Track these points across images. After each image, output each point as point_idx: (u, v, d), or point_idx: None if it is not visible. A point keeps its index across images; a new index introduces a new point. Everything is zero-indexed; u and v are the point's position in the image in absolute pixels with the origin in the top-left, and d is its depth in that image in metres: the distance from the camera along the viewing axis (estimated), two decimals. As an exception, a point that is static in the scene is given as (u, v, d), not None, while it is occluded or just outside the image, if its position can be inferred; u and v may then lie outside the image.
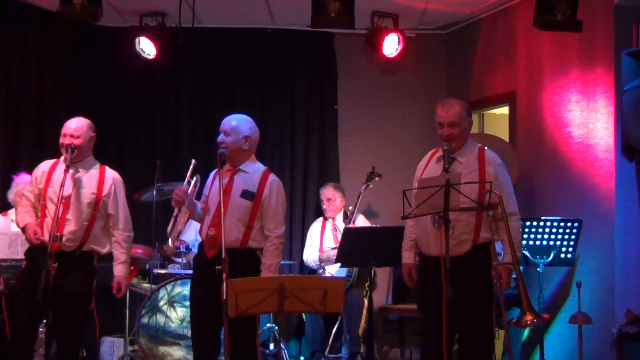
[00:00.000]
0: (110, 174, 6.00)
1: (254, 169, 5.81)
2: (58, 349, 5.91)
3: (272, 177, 5.80)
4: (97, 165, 5.99)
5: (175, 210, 5.69)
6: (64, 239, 5.64)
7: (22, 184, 7.14)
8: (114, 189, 5.96)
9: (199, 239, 5.90)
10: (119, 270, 5.93)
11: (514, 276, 5.63)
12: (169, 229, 5.76)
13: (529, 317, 5.32)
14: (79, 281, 5.76)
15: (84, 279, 5.81)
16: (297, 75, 9.31)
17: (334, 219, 8.38)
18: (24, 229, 5.74)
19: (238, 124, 5.75)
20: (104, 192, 5.89)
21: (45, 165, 5.94)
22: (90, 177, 5.89)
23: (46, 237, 5.57)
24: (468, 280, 5.35)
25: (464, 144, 5.61)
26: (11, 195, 7.28)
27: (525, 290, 5.32)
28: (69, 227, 5.70)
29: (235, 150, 5.71)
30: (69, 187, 5.70)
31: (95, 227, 5.84)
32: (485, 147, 5.77)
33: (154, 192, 7.73)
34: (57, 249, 5.58)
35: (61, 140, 5.81)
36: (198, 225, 5.89)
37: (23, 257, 6.35)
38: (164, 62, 8.71)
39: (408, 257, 5.89)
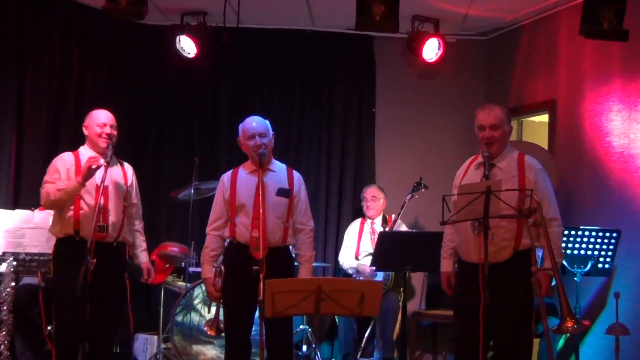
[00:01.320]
0: (127, 165, 6.10)
1: (278, 166, 5.90)
2: (92, 342, 5.80)
3: (295, 173, 5.93)
4: (116, 157, 6.04)
5: (217, 304, 5.88)
6: (109, 229, 5.69)
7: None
8: (134, 179, 6.08)
9: None
10: (145, 257, 6.08)
11: (554, 283, 5.60)
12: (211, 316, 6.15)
13: (569, 324, 5.26)
14: (116, 274, 5.82)
15: (119, 271, 5.86)
16: (335, 78, 9.30)
17: (372, 222, 8.36)
18: (70, 189, 5.63)
19: (267, 125, 5.84)
20: (129, 182, 6.00)
21: (69, 158, 5.88)
22: (117, 168, 5.95)
23: (86, 229, 5.57)
24: (508, 287, 5.32)
25: (504, 149, 5.60)
26: None
27: (565, 297, 5.27)
28: (112, 218, 5.75)
29: (270, 149, 5.80)
30: (106, 179, 5.71)
31: (126, 217, 5.91)
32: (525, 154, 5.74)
33: (192, 191, 7.75)
34: (102, 240, 5.62)
35: (99, 130, 5.80)
36: None
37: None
38: (204, 61, 8.73)
39: (447, 265, 5.88)
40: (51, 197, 5.68)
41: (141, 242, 6.10)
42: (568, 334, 6.62)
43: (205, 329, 5.84)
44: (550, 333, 5.55)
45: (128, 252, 6.05)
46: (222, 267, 5.72)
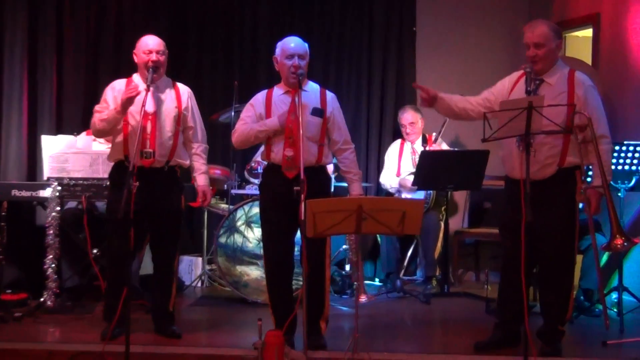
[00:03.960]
0: (184, 88, 6.06)
1: (311, 87, 5.83)
2: (155, 266, 6.10)
3: (329, 93, 5.87)
4: (171, 81, 6.03)
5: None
6: (155, 154, 5.73)
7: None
8: (191, 102, 6.03)
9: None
10: (202, 179, 6.04)
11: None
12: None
13: (619, 241, 5.25)
14: (170, 198, 5.90)
15: (174, 195, 5.94)
16: (375, -3, 9.19)
17: (413, 142, 8.32)
18: (111, 118, 5.70)
19: (307, 47, 5.76)
20: (183, 105, 5.95)
21: (119, 85, 5.93)
22: (169, 92, 5.93)
23: (131, 154, 5.59)
24: (551, 204, 5.29)
25: (552, 65, 5.50)
26: None
27: (615, 214, 5.24)
28: (159, 143, 5.77)
29: (306, 72, 5.72)
30: (152, 105, 5.74)
31: (179, 141, 5.91)
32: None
33: (232, 114, 7.75)
34: (150, 165, 5.69)
35: (146, 58, 5.78)
36: None
37: (104, 176, 6.49)
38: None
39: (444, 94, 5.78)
40: (96, 127, 5.84)
41: (200, 165, 6.05)
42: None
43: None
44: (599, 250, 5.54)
45: (182, 176, 6.06)
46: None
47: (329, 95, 5.82)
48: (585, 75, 5.56)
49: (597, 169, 5.31)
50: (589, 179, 5.58)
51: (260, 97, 5.82)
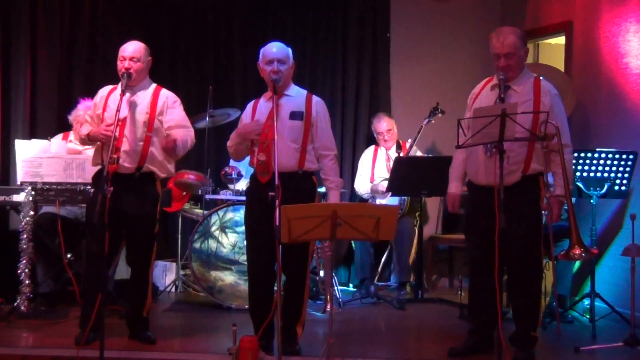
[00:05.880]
0: (164, 93, 6.02)
1: (297, 92, 5.82)
2: (131, 272, 6.08)
3: (315, 97, 5.83)
4: (153, 87, 6.02)
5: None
6: (120, 160, 5.70)
7: (83, 109, 7.19)
8: (167, 107, 5.97)
9: (249, 169, 5.88)
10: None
11: (565, 208, 5.62)
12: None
13: (577, 251, 5.33)
14: (140, 203, 5.85)
15: (145, 201, 5.89)
16: (349, 3, 9.20)
17: (389, 148, 8.33)
18: (87, 137, 5.82)
19: (289, 52, 5.74)
20: (157, 110, 5.91)
21: (103, 91, 6.01)
22: (144, 98, 5.92)
23: (105, 159, 5.59)
24: (516, 211, 5.30)
25: (520, 72, 5.54)
26: (71, 117, 7.36)
27: (575, 224, 5.30)
28: (124, 148, 5.74)
29: (287, 77, 5.72)
30: (124, 110, 5.71)
31: (153, 149, 5.86)
32: (541, 77, 5.69)
33: (207, 119, 7.75)
34: (115, 171, 5.61)
35: (119, 65, 5.82)
36: None
37: (78, 180, 6.49)
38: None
39: (455, 187, 5.90)
40: (77, 137, 6.03)
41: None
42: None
43: None
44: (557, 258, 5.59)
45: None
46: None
47: (315, 99, 5.78)
48: (550, 84, 5.63)
49: (560, 178, 5.36)
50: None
51: (249, 106, 5.86)
